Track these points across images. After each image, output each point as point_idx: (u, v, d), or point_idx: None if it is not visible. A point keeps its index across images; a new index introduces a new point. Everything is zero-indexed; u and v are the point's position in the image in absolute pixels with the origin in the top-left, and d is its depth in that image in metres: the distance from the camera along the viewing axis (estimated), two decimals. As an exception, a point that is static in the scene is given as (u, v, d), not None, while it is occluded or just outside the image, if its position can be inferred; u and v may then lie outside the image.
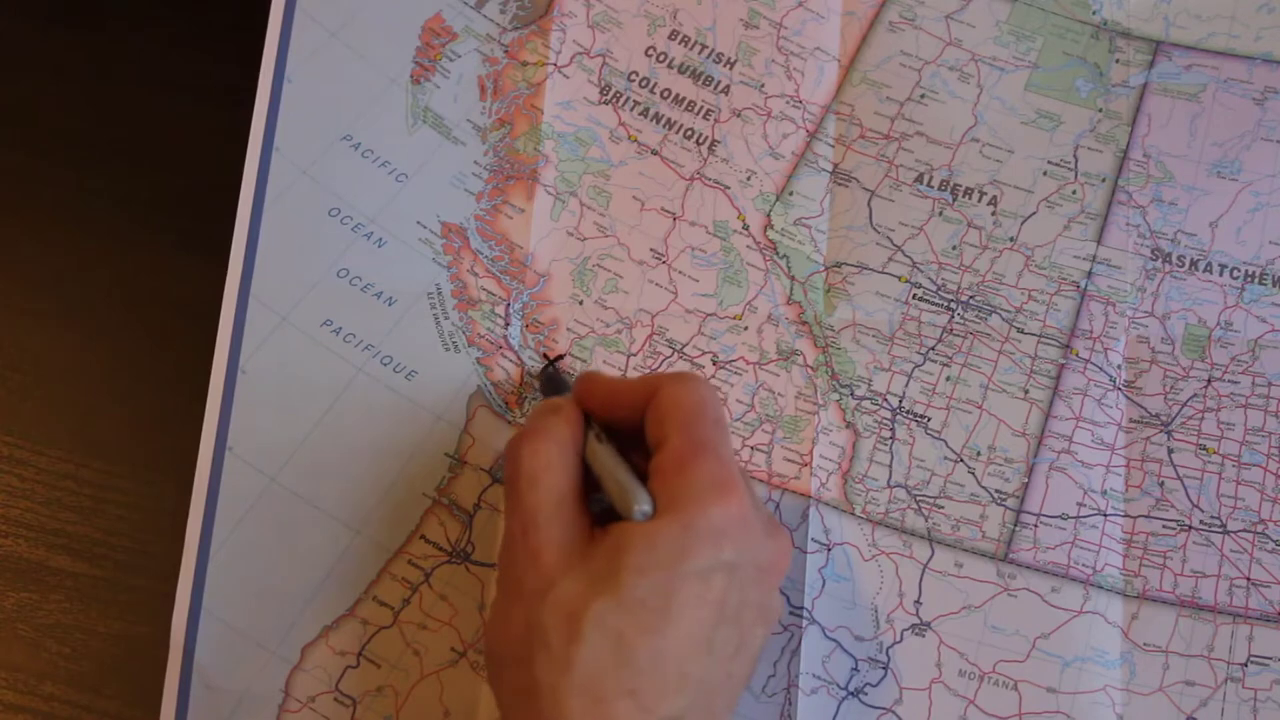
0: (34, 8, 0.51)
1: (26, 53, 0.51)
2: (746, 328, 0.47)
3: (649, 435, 0.37)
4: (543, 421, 0.37)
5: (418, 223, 0.47)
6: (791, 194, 0.48)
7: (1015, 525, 0.45)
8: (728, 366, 0.47)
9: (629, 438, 0.38)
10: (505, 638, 0.35)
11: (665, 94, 0.49)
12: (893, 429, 0.46)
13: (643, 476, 0.36)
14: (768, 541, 0.36)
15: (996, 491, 0.46)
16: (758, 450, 0.46)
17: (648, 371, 0.47)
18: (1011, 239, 0.48)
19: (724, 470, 0.35)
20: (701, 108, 0.49)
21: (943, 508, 0.45)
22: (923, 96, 0.49)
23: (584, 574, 0.34)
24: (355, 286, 0.47)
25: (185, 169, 0.50)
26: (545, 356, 0.47)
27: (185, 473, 0.45)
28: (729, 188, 0.48)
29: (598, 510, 0.37)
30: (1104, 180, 0.48)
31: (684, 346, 0.47)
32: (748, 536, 0.35)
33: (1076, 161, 0.48)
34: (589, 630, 0.33)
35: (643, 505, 0.35)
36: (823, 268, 0.48)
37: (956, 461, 0.46)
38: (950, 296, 0.47)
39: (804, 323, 0.47)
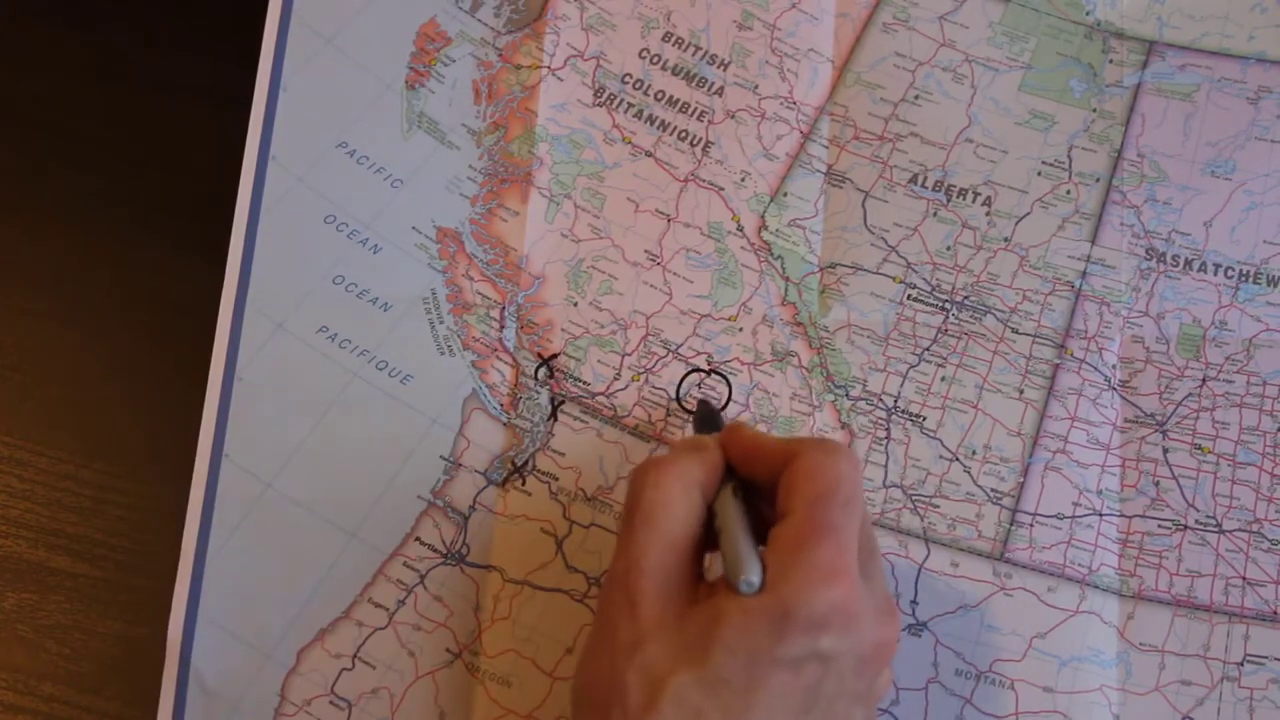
0: (34, 8, 0.50)
1: (26, 53, 0.50)
2: (741, 329, 0.45)
3: (778, 502, 0.34)
4: (679, 456, 0.35)
5: (413, 228, 0.46)
6: (786, 195, 0.46)
7: (1011, 525, 0.43)
8: (722, 367, 0.45)
9: (770, 498, 0.35)
10: (590, 681, 0.34)
11: (659, 96, 0.47)
12: (888, 429, 0.44)
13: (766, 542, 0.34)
14: (875, 629, 0.33)
15: (992, 491, 0.44)
16: (753, 452, 0.44)
17: (643, 371, 0.45)
18: (1006, 239, 0.46)
19: (839, 556, 0.32)
20: (695, 109, 0.47)
21: (938, 507, 0.44)
22: (916, 97, 0.47)
23: (675, 639, 0.32)
24: (351, 293, 0.45)
25: (185, 170, 0.48)
26: (540, 356, 0.45)
27: (186, 473, 0.44)
28: (723, 189, 0.46)
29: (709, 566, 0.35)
30: (1098, 180, 0.46)
31: (679, 347, 0.45)
32: (850, 626, 0.32)
33: (1071, 162, 0.46)
34: (666, 701, 0.31)
35: (750, 576, 0.32)
36: (817, 269, 0.46)
37: (952, 461, 0.44)
38: (945, 297, 0.45)
39: (799, 324, 0.45)
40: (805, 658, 0.31)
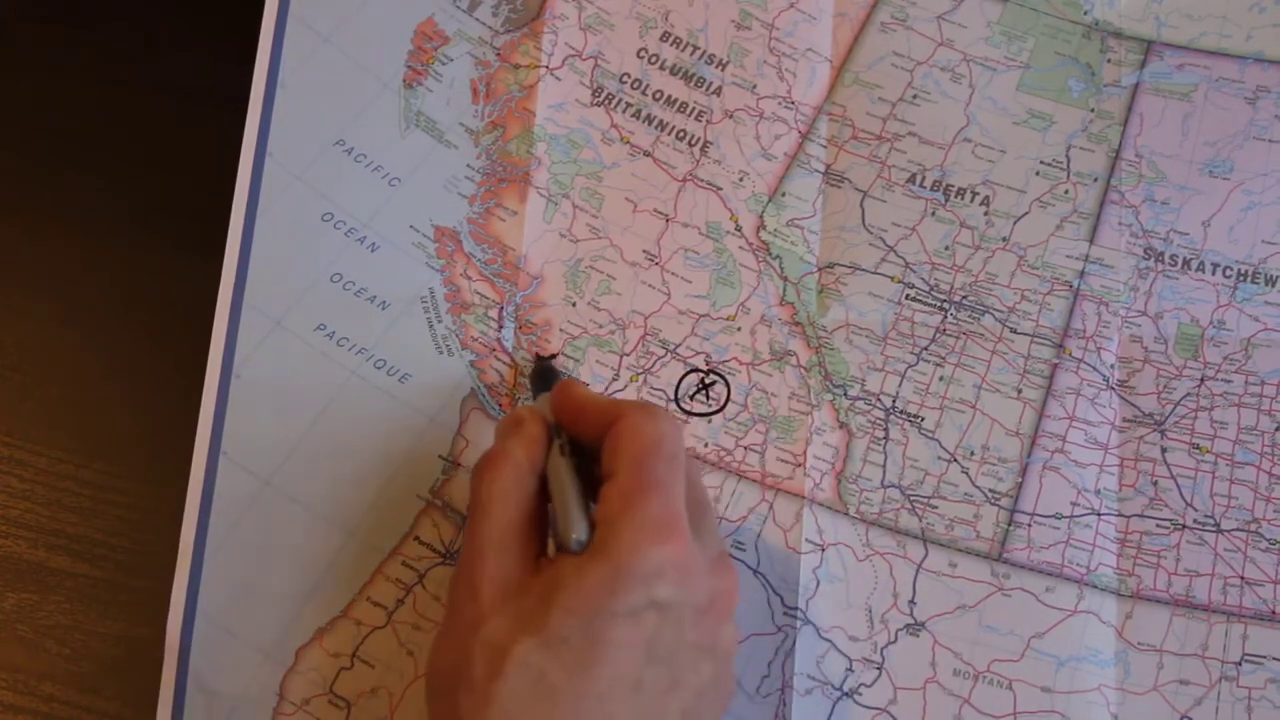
0: (34, 8, 0.49)
1: (26, 53, 0.49)
2: (739, 329, 0.44)
3: (603, 463, 0.34)
4: (503, 443, 0.35)
5: (411, 227, 0.45)
6: (784, 195, 0.45)
7: (1009, 525, 0.42)
8: (720, 367, 0.44)
9: (599, 456, 0.35)
10: (438, 667, 0.34)
11: (657, 96, 0.46)
12: (886, 429, 0.43)
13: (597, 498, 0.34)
14: (711, 581, 0.33)
15: (990, 491, 0.43)
16: (751, 451, 0.43)
17: (640, 372, 0.44)
18: (1004, 239, 0.44)
19: (667, 511, 0.32)
20: (694, 109, 0.46)
21: (937, 508, 0.43)
22: (915, 97, 0.46)
23: (515, 610, 0.32)
24: (349, 291, 0.44)
25: (185, 170, 0.47)
26: (538, 356, 0.44)
27: (186, 473, 0.43)
28: (721, 189, 0.45)
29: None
30: (1096, 180, 0.45)
31: (677, 347, 0.44)
32: (686, 578, 0.32)
33: (1069, 161, 0.45)
34: (511, 668, 0.31)
35: (579, 535, 0.33)
36: (815, 268, 0.45)
37: (950, 461, 0.43)
38: (943, 297, 0.44)
39: (797, 323, 0.44)
40: (642, 608, 0.32)
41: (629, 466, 0.33)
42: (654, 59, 0.46)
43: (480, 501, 0.34)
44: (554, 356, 0.44)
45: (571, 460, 0.35)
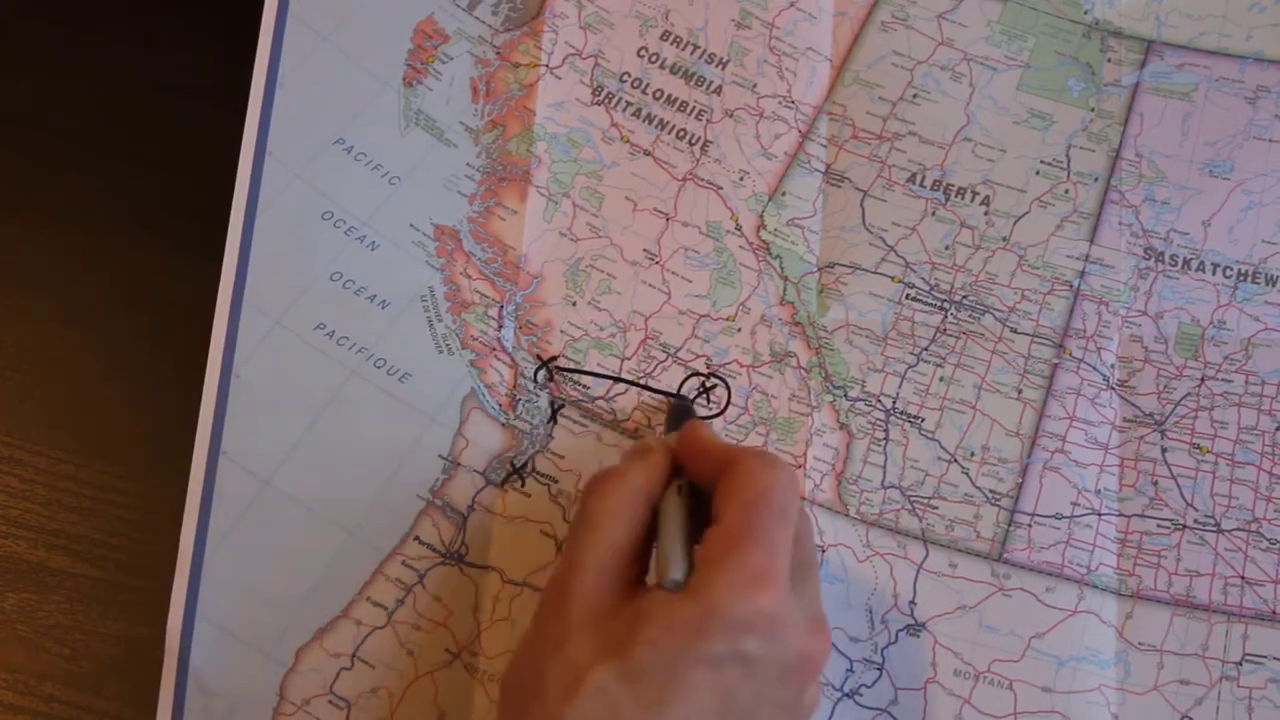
0: (34, 8, 0.48)
1: (26, 53, 0.48)
2: (740, 329, 0.43)
3: (715, 506, 0.33)
4: (626, 465, 0.35)
5: (410, 225, 0.44)
6: (784, 194, 0.44)
7: (1009, 525, 0.42)
8: (721, 370, 0.43)
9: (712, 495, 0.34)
10: (516, 676, 0.33)
11: (657, 95, 0.45)
12: (886, 430, 0.42)
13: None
14: (803, 640, 0.32)
15: (990, 492, 0.42)
16: (751, 452, 0.42)
17: (641, 375, 0.43)
18: (1004, 239, 0.44)
19: (768, 561, 0.31)
20: (694, 108, 0.45)
21: (937, 508, 0.42)
22: (915, 96, 0.45)
23: (600, 634, 0.31)
24: (348, 290, 0.43)
25: (184, 170, 0.47)
26: (538, 357, 0.43)
27: (187, 473, 0.42)
28: (722, 188, 0.44)
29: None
30: (1096, 180, 0.44)
31: (677, 350, 0.43)
32: (775, 634, 0.31)
33: (1069, 161, 0.44)
34: (586, 692, 0.30)
35: (676, 574, 0.32)
36: (815, 268, 0.44)
37: (950, 462, 0.42)
38: (943, 297, 0.43)
39: (797, 324, 0.43)
40: (726, 658, 0.30)
41: (736, 512, 0.32)
42: (654, 58, 0.46)
43: (589, 516, 0.33)
44: (555, 358, 0.43)
45: (686, 501, 0.34)
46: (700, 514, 0.34)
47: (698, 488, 0.35)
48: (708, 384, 0.43)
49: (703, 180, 0.45)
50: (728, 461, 0.33)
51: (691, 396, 0.43)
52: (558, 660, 0.31)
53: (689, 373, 0.43)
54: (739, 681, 0.31)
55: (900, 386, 0.43)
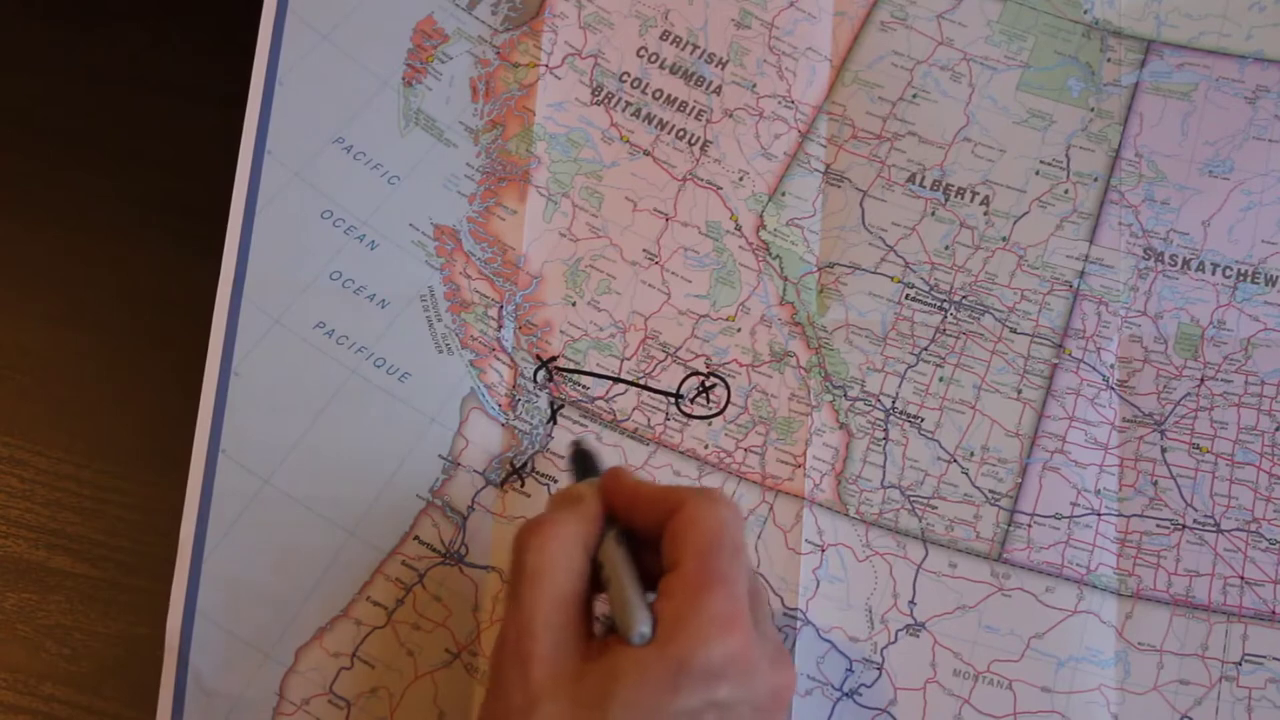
0: (34, 8, 0.48)
1: (26, 53, 0.48)
2: (739, 329, 0.43)
3: (664, 553, 0.32)
4: (558, 514, 0.34)
5: (410, 225, 0.44)
6: (784, 194, 0.44)
7: (1009, 525, 0.41)
8: (720, 370, 0.43)
9: (653, 545, 0.33)
10: None
11: (657, 94, 0.45)
12: (886, 430, 0.42)
13: (653, 586, 0.32)
14: (770, 677, 0.32)
15: (990, 492, 0.42)
16: (751, 453, 0.42)
17: (641, 376, 0.43)
18: (1004, 239, 0.43)
19: (731, 604, 0.31)
20: (693, 108, 0.45)
21: (936, 508, 0.42)
22: (915, 96, 0.44)
23: (570, 699, 0.30)
24: (348, 289, 0.43)
25: (184, 170, 0.46)
26: (538, 358, 0.43)
27: (186, 474, 0.42)
28: (721, 188, 0.44)
29: (602, 614, 0.33)
30: (1096, 179, 0.44)
31: (677, 350, 0.43)
32: (746, 675, 0.31)
33: (1069, 161, 0.44)
34: None
35: (642, 628, 0.31)
36: (815, 268, 0.44)
37: (950, 462, 0.42)
38: (943, 297, 0.43)
39: (797, 324, 0.43)
40: (702, 708, 0.30)
41: (693, 559, 0.31)
42: (654, 58, 0.45)
43: (527, 570, 0.32)
44: (555, 359, 0.43)
45: (627, 551, 0.33)
46: (637, 562, 0.33)
47: (631, 534, 0.34)
48: (707, 383, 0.43)
49: (702, 180, 0.44)
50: (670, 505, 0.33)
51: (691, 396, 0.43)
52: None
53: (688, 372, 0.43)
54: None
55: (900, 386, 0.43)
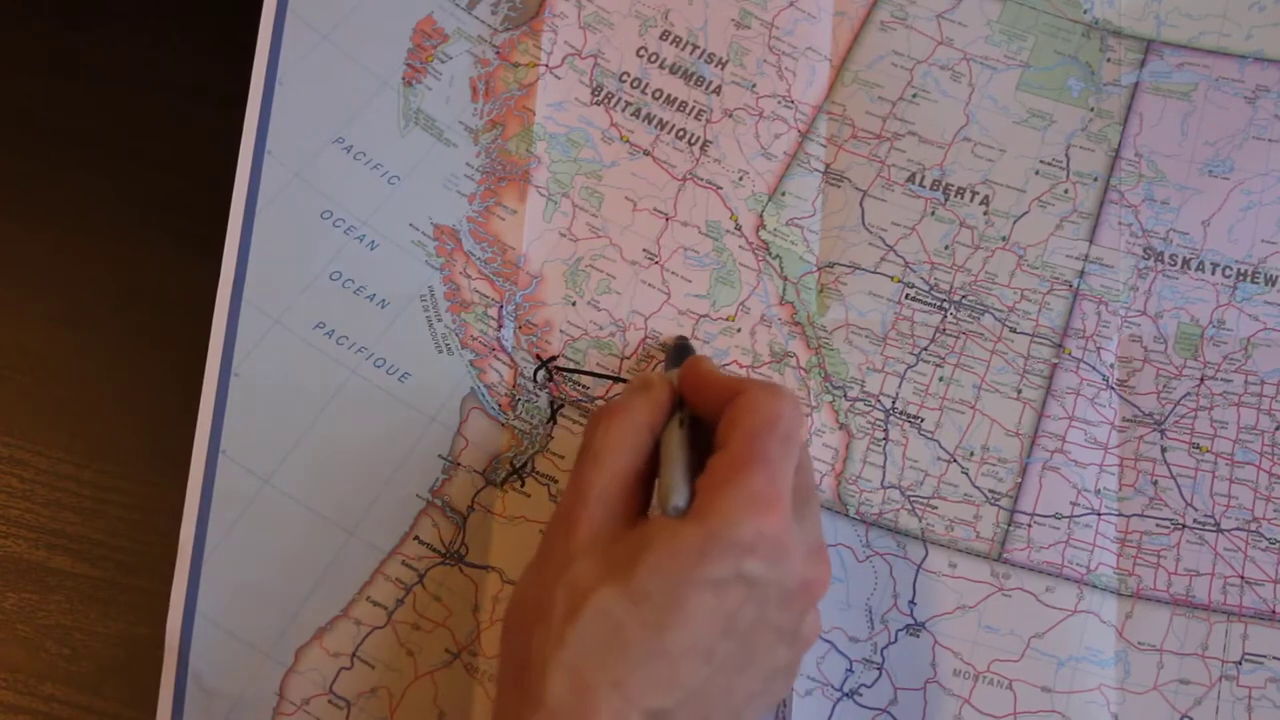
0: (34, 8, 0.48)
1: (26, 53, 0.47)
2: (739, 329, 0.43)
3: (719, 434, 0.32)
4: (628, 399, 0.34)
5: (410, 225, 0.43)
6: (784, 194, 0.44)
7: (1009, 525, 0.41)
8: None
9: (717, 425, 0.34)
10: (520, 601, 0.33)
11: (657, 94, 0.44)
12: (886, 430, 0.42)
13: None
14: (804, 566, 0.32)
15: (990, 491, 0.41)
16: (751, 452, 0.42)
17: (641, 373, 0.42)
18: (1004, 238, 0.43)
19: (771, 486, 0.31)
20: (693, 108, 0.44)
21: (936, 508, 0.41)
22: (914, 96, 0.44)
23: (604, 558, 0.31)
24: (348, 289, 0.42)
25: (184, 170, 0.46)
26: (538, 357, 0.42)
27: (186, 474, 0.42)
28: (721, 188, 0.44)
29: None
30: (1096, 179, 0.43)
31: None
32: (778, 557, 0.31)
33: (1068, 161, 0.43)
34: (588, 612, 0.30)
35: (676, 501, 0.31)
36: (815, 268, 0.43)
37: (950, 462, 0.41)
38: (943, 296, 0.43)
39: (797, 323, 0.43)
40: (729, 580, 0.30)
41: (740, 438, 0.31)
42: (653, 58, 0.45)
43: (593, 449, 0.33)
44: (555, 358, 0.42)
45: (688, 433, 0.34)
46: (703, 446, 0.34)
47: (700, 420, 0.34)
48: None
49: (702, 180, 0.44)
50: (733, 391, 0.33)
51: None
52: (562, 583, 0.31)
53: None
54: (741, 604, 0.30)
55: (900, 386, 0.42)
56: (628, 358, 0.43)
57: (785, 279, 0.43)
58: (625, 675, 0.30)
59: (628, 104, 0.44)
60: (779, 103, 0.44)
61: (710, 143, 0.44)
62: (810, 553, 0.32)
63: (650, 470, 0.34)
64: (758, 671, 0.32)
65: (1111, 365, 0.42)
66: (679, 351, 0.40)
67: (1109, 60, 0.44)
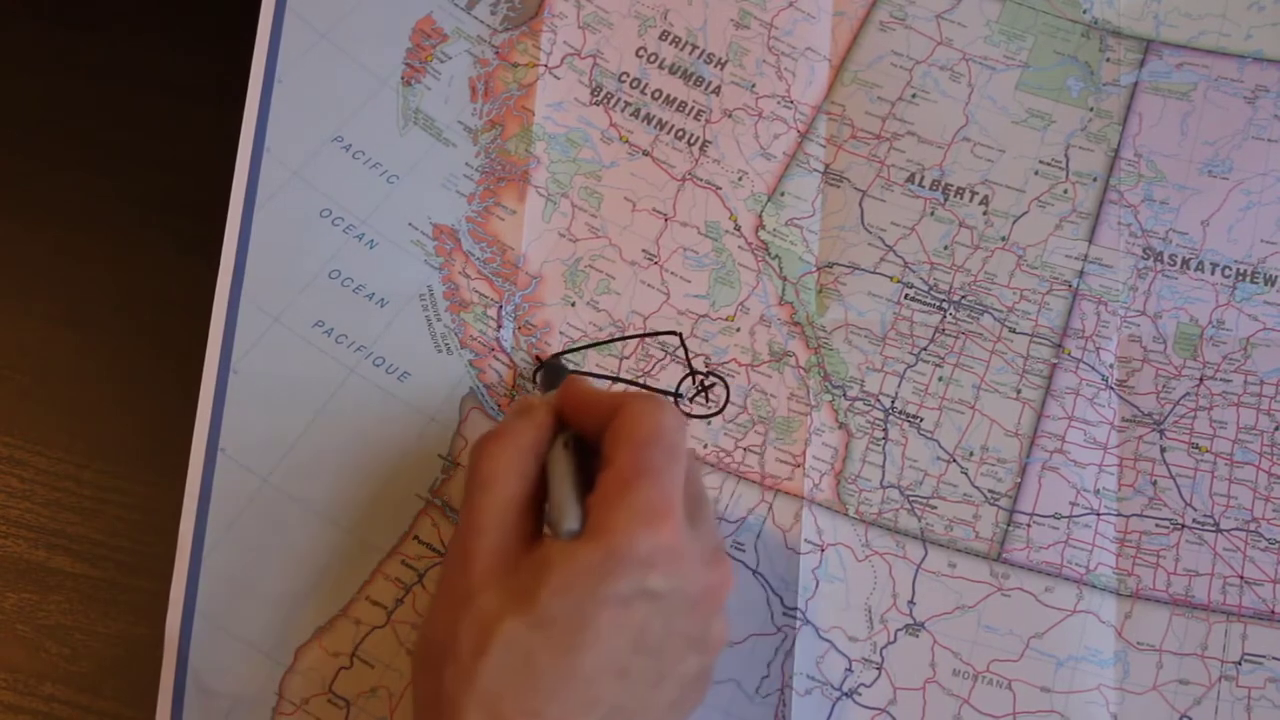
0: (34, 8, 0.47)
1: (26, 53, 0.47)
2: (739, 329, 0.42)
3: (604, 452, 0.33)
4: (510, 423, 0.34)
5: (409, 224, 0.43)
6: (783, 194, 0.43)
7: (1008, 525, 0.41)
8: (720, 369, 0.42)
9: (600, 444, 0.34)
10: (426, 641, 0.33)
11: (656, 95, 0.44)
12: (885, 429, 0.41)
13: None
14: (704, 572, 0.32)
15: (989, 491, 0.41)
16: (750, 452, 0.41)
17: (641, 375, 0.42)
18: (1003, 238, 0.43)
19: (662, 497, 0.31)
20: (693, 108, 0.44)
21: (936, 508, 0.41)
22: (914, 96, 0.44)
23: (505, 588, 0.31)
24: (347, 288, 0.42)
25: (184, 170, 0.46)
26: (537, 358, 0.42)
27: (185, 474, 0.41)
28: (720, 188, 0.43)
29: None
30: (1095, 179, 0.43)
31: (676, 350, 0.42)
32: (676, 567, 0.31)
33: (1068, 161, 0.43)
34: (496, 646, 0.30)
35: (570, 524, 0.31)
36: (814, 268, 0.43)
37: (949, 462, 0.41)
38: (942, 296, 0.42)
39: (796, 323, 0.42)
40: (633, 595, 0.30)
41: (626, 453, 0.31)
42: (653, 58, 0.44)
43: (480, 476, 0.33)
44: (548, 362, 0.42)
45: (573, 456, 0.34)
46: (589, 466, 0.33)
47: (584, 440, 0.34)
48: (706, 383, 0.42)
49: (701, 180, 0.44)
50: (613, 408, 0.33)
51: (690, 395, 0.42)
52: (466, 619, 0.31)
53: (687, 371, 0.42)
54: (648, 617, 0.30)
55: (899, 386, 0.42)
56: (627, 358, 0.42)
57: (784, 279, 0.43)
58: (541, 704, 0.30)
59: (627, 104, 0.44)
60: (778, 103, 0.44)
61: (709, 143, 0.44)
62: (709, 557, 0.32)
63: (539, 494, 0.33)
64: (672, 682, 0.32)
65: (1111, 365, 0.42)
66: (552, 372, 0.40)
67: (1108, 60, 0.44)
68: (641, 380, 0.42)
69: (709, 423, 0.42)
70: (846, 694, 0.40)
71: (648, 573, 0.30)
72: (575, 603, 0.30)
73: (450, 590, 0.32)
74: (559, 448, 0.34)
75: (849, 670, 0.40)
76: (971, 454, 0.41)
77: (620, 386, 0.42)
